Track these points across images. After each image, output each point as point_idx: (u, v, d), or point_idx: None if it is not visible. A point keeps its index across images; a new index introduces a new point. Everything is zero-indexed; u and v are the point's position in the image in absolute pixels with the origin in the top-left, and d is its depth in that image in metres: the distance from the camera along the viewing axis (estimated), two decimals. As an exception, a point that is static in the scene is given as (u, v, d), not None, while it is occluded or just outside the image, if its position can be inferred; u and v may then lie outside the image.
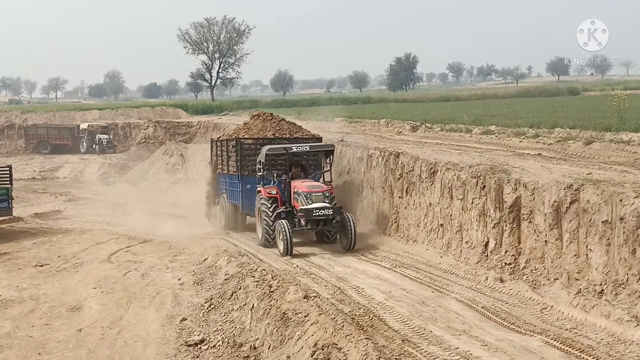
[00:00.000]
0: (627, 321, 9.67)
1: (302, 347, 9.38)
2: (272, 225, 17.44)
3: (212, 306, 13.38)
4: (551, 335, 9.75)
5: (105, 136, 50.20)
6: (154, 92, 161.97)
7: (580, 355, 8.97)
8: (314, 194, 17.09)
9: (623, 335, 9.49)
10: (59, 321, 13.37)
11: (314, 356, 8.64)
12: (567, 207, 11.82)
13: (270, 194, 18.06)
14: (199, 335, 12.06)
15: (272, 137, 20.83)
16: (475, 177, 14.49)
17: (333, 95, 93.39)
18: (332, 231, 17.67)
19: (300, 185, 17.49)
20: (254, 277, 13.38)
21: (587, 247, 11.27)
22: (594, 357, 8.86)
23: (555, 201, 12.07)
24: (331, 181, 18.72)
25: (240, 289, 13.26)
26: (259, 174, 18.89)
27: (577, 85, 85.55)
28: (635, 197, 10.51)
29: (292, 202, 17.65)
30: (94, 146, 49.30)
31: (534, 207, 12.70)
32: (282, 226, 16.71)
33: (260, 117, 22.56)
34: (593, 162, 15.80)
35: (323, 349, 8.65)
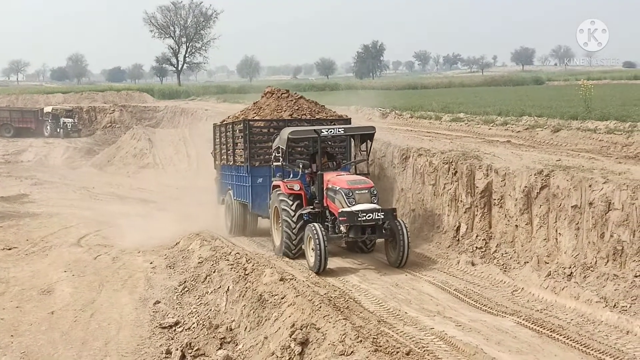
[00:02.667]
0: (596, 302, 9.96)
1: (279, 327, 9.47)
2: (294, 230, 13.75)
3: (186, 289, 13.41)
4: (522, 316, 9.99)
5: (70, 120, 49.47)
6: (118, 76, 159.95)
7: (551, 335, 9.22)
8: (357, 192, 13.02)
9: (592, 316, 9.77)
10: (30, 304, 13.27)
11: (292, 336, 8.73)
12: (537, 192, 12.07)
13: (292, 189, 14.13)
14: (173, 317, 12.09)
15: (289, 118, 17.11)
16: (447, 163, 14.69)
17: (300, 82, 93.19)
18: (369, 242, 14.30)
19: (336, 180, 13.46)
20: (228, 260, 13.43)
21: (556, 231, 11.53)
22: (564, 337, 9.12)
23: (525, 186, 12.32)
24: (368, 174, 15.07)
25: (214, 272, 13.31)
26: (275, 163, 15.08)
27: (542, 75, 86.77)
28: (603, 183, 10.79)
29: (324, 201, 13.68)
30: (58, 130, 48.55)
31: (504, 193, 12.94)
32: (315, 232, 12.66)
33: (273, 95, 18.57)
34: (561, 149, 16.14)
35: (302, 329, 8.75)
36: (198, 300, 12.72)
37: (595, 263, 10.54)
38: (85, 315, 12.52)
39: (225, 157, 18.59)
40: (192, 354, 10.12)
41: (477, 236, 13.42)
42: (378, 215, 12.81)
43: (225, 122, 18.93)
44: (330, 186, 13.50)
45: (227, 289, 12.06)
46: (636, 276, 9.73)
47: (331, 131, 14.27)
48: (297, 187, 14.18)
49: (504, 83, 70.27)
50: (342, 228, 13.00)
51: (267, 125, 16.81)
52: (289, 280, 11.09)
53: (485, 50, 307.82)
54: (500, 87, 61.12)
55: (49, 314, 12.63)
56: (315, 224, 13.05)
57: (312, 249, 12.83)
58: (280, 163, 14.66)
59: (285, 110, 17.58)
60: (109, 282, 14.54)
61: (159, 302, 13.00)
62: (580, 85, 22.28)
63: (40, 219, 21.76)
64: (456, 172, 14.30)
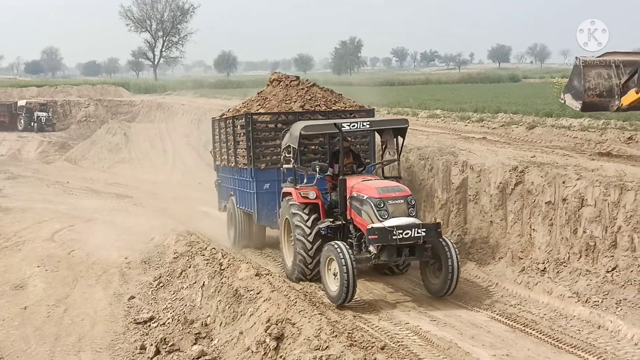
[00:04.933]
0: (568, 297, 10.09)
1: (254, 322, 9.45)
2: (310, 252, 11.37)
3: (161, 284, 13.32)
4: (496, 311, 10.10)
5: (44, 114, 48.81)
6: (93, 70, 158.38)
7: (524, 330, 9.33)
8: (390, 202, 10.50)
9: (564, 311, 9.91)
10: (2, 299, 13.13)
11: (267, 331, 8.72)
12: (512, 188, 12.18)
13: (307, 198, 11.64)
14: (148, 313, 12.00)
15: (301, 110, 14.39)
16: (423, 159, 14.76)
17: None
18: (402, 264, 11.87)
19: (362, 186, 11.00)
20: (203, 255, 13.35)
21: (530, 227, 11.65)
22: (537, 332, 9.23)
23: (500, 183, 12.41)
24: (400, 177, 12.32)
25: (190, 267, 13.23)
26: (285, 166, 12.58)
27: (518, 73, 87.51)
28: (577, 179, 10.91)
29: (347, 213, 11.27)
30: (32, 124, 47.87)
31: (480, 189, 13.03)
32: (340, 253, 10.11)
33: (281, 83, 15.65)
34: (536, 146, 16.31)
35: (277, 324, 8.74)
36: (173, 295, 12.65)
37: (568, 259, 10.67)
38: (59, 311, 12.40)
39: (225, 157, 16.01)
40: (166, 350, 10.07)
41: (452, 232, 13.49)
42: (418, 232, 10.25)
43: (225, 116, 16.26)
44: (355, 194, 10.99)
45: (203, 284, 12.01)
46: (608, 271, 9.86)
47: (354, 125, 11.71)
48: (312, 194, 11.64)
49: (481, 80, 70.84)
50: (372, 248, 10.43)
51: (274, 120, 14.27)
52: (264, 275, 11.07)
53: (462, 48, 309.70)
54: (476, 84, 61.62)
55: (22, 309, 12.49)
56: (338, 242, 10.47)
57: (335, 275, 10.27)
58: (291, 165, 12.15)
59: (295, 101, 14.86)
60: (83, 277, 14.40)
61: (134, 297, 12.91)
62: (555, 83, 22.58)
63: (14, 214, 21.44)
64: (432, 168, 14.37)
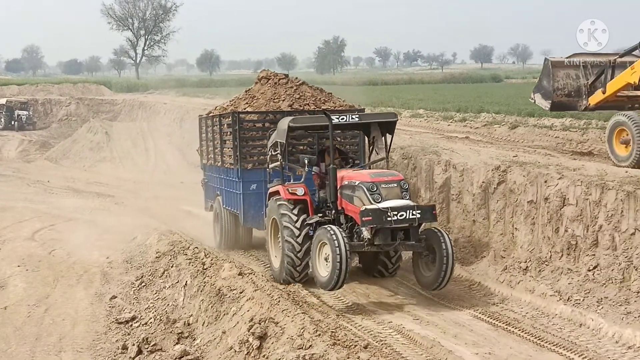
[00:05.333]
0: (550, 296, 10.16)
1: (237, 322, 9.40)
2: (299, 246, 11.06)
3: (143, 284, 13.22)
4: (479, 310, 10.14)
5: (25, 112, 48.37)
6: (75, 68, 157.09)
7: (506, 328, 9.38)
8: (383, 185, 10.38)
9: (546, 309, 9.98)
10: (-18, 299, 12.95)
11: (250, 330, 8.68)
12: (494, 187, 12.23)
13: (295, 194, 11.39)
14: (129, 312, 11.90)
15: (289, 109, 14.12)
16: (406, 158, 14.79)
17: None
18: (396, 257, 11.73)
19: (353, 174, 10.95)
20: (186, 254, 13.27)
21: (513, 226, 11.70)
22: (519, 330, 9.28)
23: (483, 182, 12.47)
24: None
25: (172, 266, 13.14)
26: (272, 165, 12.33)
27: (500, 73, 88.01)
28: (559, 179, 10.98)
29: (338, 202, 11.03)
30: (12, 122, 47.38)
31: (462, 188, 13.08)
32: (333, 235, 9.92)
33: (269, 81, 15.35)
34: (518, 145, 16.42)
35: (260, 323, 8.71)
36: (155, 295, 12.56)
37: (550, 257, 10.73)
38: (39, 311, 12.26)
39: (212, 156, 15.68)
40: (148, 349, 9.98)
41: (435, 231, 13.51)
42: (413, 214, 10.03)
43: (211, 114, 15.91)
44: (346, 182, 10.83)
45: (185, 284, 11.94)
46: (589, 270, 9.93)
47: (343, 118, 11.49)
48: (301, 191, 11.39)
49: (463, 80, 71.21)
50: (365, 233, 10.17)
51: (262, 119, 14.07)
52: (247, 274, 11.02)
53: (445, 48, 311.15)
54: (459, 84, 61.91)
55: (2, 309, 12.32)
56: (331, 225, 10.35)
57: (327, 259, 10.07)
58: (279, 163, 11.84)
59: (284, 100, 14.57)
60: (64, 277, 14.26)
61: (116, 297, 12.80)
62: (537, 83, 22.69)
63: (-7, 213, 21.24)
64: (415, 167, 14.41)
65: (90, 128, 38.86)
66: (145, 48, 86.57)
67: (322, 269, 10.23)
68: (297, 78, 15.83)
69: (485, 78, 75.66)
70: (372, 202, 10.17)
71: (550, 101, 14.80)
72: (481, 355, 8.32)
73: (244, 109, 14.44)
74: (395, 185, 10.43)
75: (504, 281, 11.11)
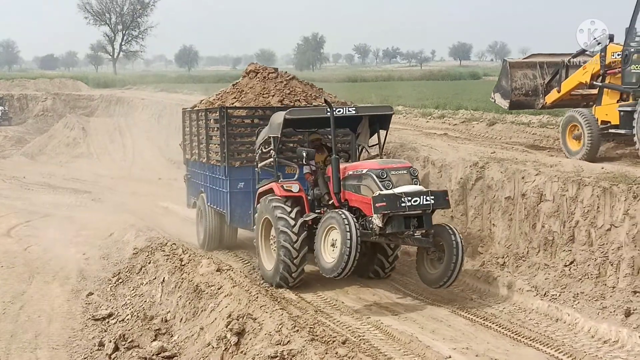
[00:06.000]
0: (527, 291, 10.23)
1: (215, 318, 9.36)
2: (296, 257, 10.58)
3: (120, 280, 13.12)
4: (457, 305, 10.17)
5: (0, 108, 47.82)
6: (51, 63, 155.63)
7: (483, 323, 9.42)
8: (393, 172, 9.95)
9: (523, 305, 10.04)
10: (-44, 296, 12.77)
11: (228, 326, 8.64)
12: (472, 184, 12.28)
13: (290, 191, 10.95)
14: (106, 309, 11.81)
15: (280, 105, 13.67)
16: (385, 155, 14.76)
17: (240, 73, 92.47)
18: (394, 255, 11.41)
19: (358, 164, 10.60)
20: (164, 251, 13.17)
21: (490, 222, 11.77)
22: (496, 325, 9.33)
23: (461, 178, 12.52)
24: None
25: (149, 263, 13.05)
26: (261, 164, 11.80)
27: (478, 70, 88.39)
28: (536, 175, 11.06)
29: (341, 195, 10.50)
30: (-13, 118, 46.88)
31: (441, 184, 13.11)
32: (344, 219, 9.41)
33: (258, 75, 14.79)
34: (496, 142, 16.52)
35: (238, 319, 8.67)
36: (133, 291, 12.46)
37: (527, 253, 10.81)
38: (15, 308, 12.12)
39: (197, 152, 14.99)
40: (125, 346, 9.89)
41: (413, 227, 13.54)
42: (427, 200, 9.65)
43: (197, 109, 15.24)
44: (350, 173, 10.36)
45: (163, 280, 11.86)
46: (566, 266, 10.01)
47: (340, 111, 11.03)
48: (296, 188, 10.93)
49: (442, 77, 71.41)
50: (377, 221, 9.66)
51: (251, 115, 13.54)
52: (225, 270, 10.98)
53: (424, 45, 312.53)
54: (438, 82, 62.16)
55: (-24, 307, 12.18)
56: (342, 210, 9.89)
57: (333, 245, 9.61)
58: (270, 160, 11.42)
59: (273, 95, 14.10)
60: (40, 273, 14.14)
61: (92, 293, 12.70)
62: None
63: (-32, 209, 20.96)
64: (394, 163, 14.40)
65: (66, 124, 38.47)
66: (123, 43, 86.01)
67: (328, 255, 9.76)
68: (286, 72, 15.32)
69: (463, 75, 75.92)
70: (383, 189, 9.70)
71: (509, 100, 15.45)
72: (459, 350, 8.35)
73: (232, 103, 13.92)
74: (405, 171, 10.05)
75: (481, 277, 11.17)
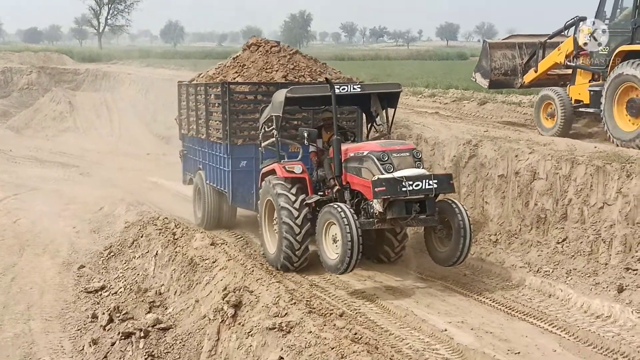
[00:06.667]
0: (520, 267, 10.35)
1: (211, 291, 9.37)
2: (299, 234, 10.29)
3: (112, 254, 13.09)
4: (450, 281, 10.27)
5: (-16, 80, 47.19)
6: (35, 37, 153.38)
7: (477, 298, 9.52)
8: (395, 155, 9.58)
9: (516, 281, 10.14)
10: (-54, 268, 12.70)
11: (225, 299, 8.65)
12: (465, 161, 12.35)
13: (293, 172, 10.63)
14: (99, 282, 11.79)
15: (284, 80, 13.06)
16: (377, 132, 14.77)
17: (227, 49, 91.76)
18: (402, 234, 10.87)
19: (360, 146, 10.18)
20: (156, 225, 13.14)
21: (483, 199, 11.86)
22: (490, 300, 9.43)
23: (454, 156, 12.58)
24: None
25: (141, 236, 13.01)
26: (264, 143, 11.44)
27: (466, 51, 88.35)
28: (529, 153, 11.14)
29: (342, 177, 10.15)
30: (-29, 90, 46.22)
31: (434, 162, 13.17)
32: (342, 213, 9.14)
33: (259, 48, 14.10)
34: (487, 121, 16.59)
35: (234, 292, 8.68)
36: (125, 264, 12.44)
37: (520, 230, 10.91)
38: (6, 279, 12.08)
39: (194, 127, 14.41)
40: (120, 318, 9.87)
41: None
42: (430, 184, 9.23)
43: (196, 82, 14.55)
44: (352, 155, 10.01)
45: (156, 254, 11.83)
46: (558, 243, 10.13)
47: (345, 89, 10.49)
48: (298, 169, 10.58)
49: (429, 57, 71.47)
50: (377, 206, 9.38)
51: (254, 91, 12.91)
52: (220, 244, 10.97)
53: (411, 25, 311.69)
54: (425, 61, 62.09)
55: (-33, 278, 12.12)
56: (339, 203, 9.55)
57: (335, 240, 9.35)
58: (273, 139, 10.97)
59: (277, 70, 13.43)
60: (30, 246, 14.06)
61: (84, 266, 12.66)
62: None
63: (-46, 182, 20.75)
64: (387, 140, 14.42)
65: (52, 97, 37.99)
66: (109, 17, 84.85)
67: (331, 252, 9.51)
68: (289, 46, 14.70)
69: (451, 55, 75.89)
70: (384, 172, 9.36)
71: (488, 80, 16.13)
72: (454, 324, 8.44)
73: (234, 78, 13.25)
74: (407, 154, 9.63)
75: (474, 253, 11.24)
